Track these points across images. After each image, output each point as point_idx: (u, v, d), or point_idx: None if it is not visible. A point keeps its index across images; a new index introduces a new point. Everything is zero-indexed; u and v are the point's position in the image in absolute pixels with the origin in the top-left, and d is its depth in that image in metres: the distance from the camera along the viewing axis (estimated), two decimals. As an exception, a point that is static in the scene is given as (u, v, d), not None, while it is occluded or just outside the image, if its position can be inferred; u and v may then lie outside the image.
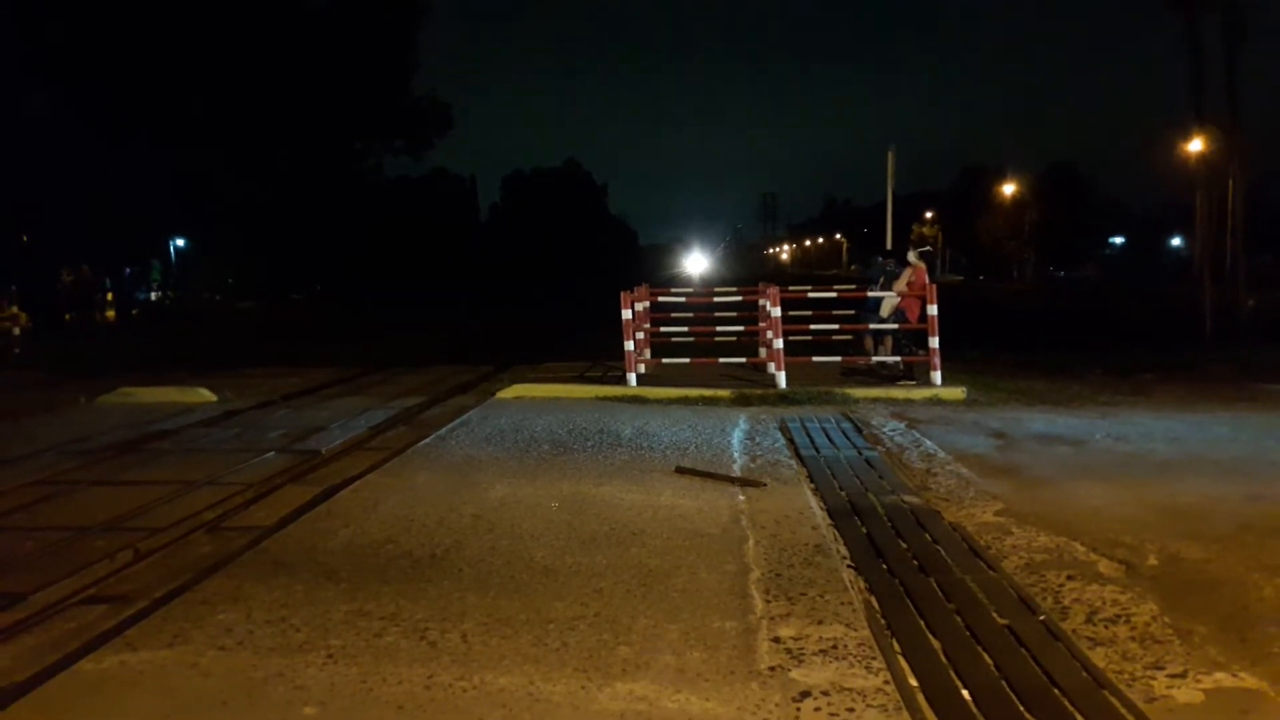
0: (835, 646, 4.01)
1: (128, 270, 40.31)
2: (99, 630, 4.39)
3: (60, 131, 26.46)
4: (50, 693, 3.70)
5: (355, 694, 3.63)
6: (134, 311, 39.44)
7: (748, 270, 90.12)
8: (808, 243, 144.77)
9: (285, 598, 4.64)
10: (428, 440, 8.81)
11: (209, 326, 32.71)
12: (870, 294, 13.02)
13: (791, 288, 14.18)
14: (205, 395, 12.08)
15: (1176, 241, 72.40)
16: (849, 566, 5.20)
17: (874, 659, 3.89)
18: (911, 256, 12.98)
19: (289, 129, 35.19)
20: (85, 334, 30.28)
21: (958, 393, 11.29)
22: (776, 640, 4.08)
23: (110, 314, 38.69)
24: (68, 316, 35.83)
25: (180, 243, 45.02)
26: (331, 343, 23.43)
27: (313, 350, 20.08)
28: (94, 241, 32.09)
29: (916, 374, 12.17)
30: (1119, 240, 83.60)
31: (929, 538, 5.71)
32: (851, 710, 3.47)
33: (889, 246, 18.72)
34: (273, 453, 8.62)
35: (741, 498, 6.57)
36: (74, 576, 5.16)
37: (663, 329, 14.24)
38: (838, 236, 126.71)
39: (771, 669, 3.80)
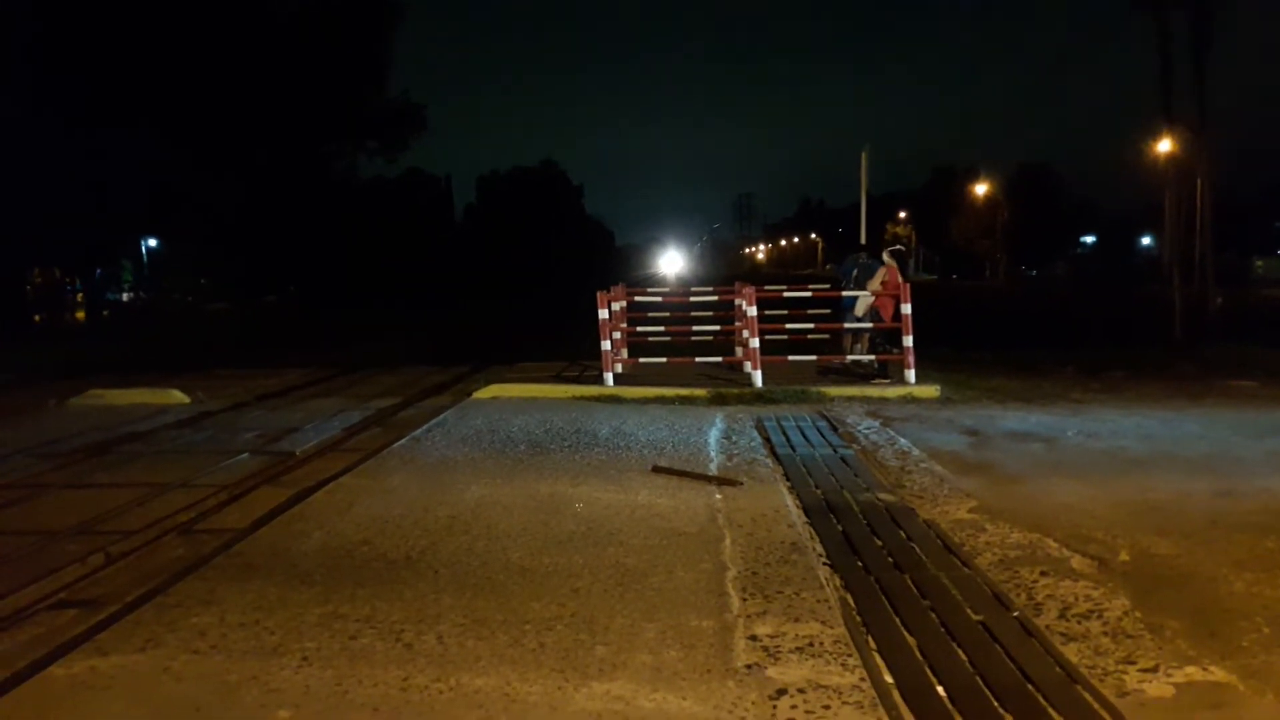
0: (811, 644, 4.02)
1: (98, 271, 39.86)
2: (69, 635, 4.33)
3: (28, 129, 26.11)
4: (20, 699, 3.65)
5: (330, 697, 3.61)
6: (105, 313, 39.07)
7: (724, 270, 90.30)
8: (783, 243, 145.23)
9: (259, 601, 4.61)
10: (403, 441, 8.76)
11: (181, 328, 32.41)
12: (845, 294, 13.09)
13: (767, 287, 14.22)
14: (178, 397, 11.96)
15: (1146, 240, 73.20)
16: (825, 564, 5.22)
17: (850, 656, 3.91)
18: (885, 256, 13.06)
19: (262, 129, 34.89)
20: (55, 335, 29.93)
21: (931, 391, 11.37)
22: (753, 638, 4.09)
23: (80, 315, 38.34)
24: (37, 318, 35.48)
25: (152, 243, 44.58)
26: (306, 344, 23.27)
27: (287, 351, 19.93)
28: (63, 242, 31.70)
29: (891, 372, 12.24)
30: (1090, 239, 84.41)
31: (904, 535, 5.74)
32: (828, 708, 3.48)
33: (863, 242, 18.82)
34: (246, 454, 8.55)
35: (718, 496, 6.58)
36: (44, 580, 5.10)
37: (639, 329, 14.24)
38: (813, 236, 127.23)
39: (748, 667, 3.81)
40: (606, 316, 12.35)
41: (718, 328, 14.21)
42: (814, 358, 13.18)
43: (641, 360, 13.41)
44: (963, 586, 4.82)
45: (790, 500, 6.53)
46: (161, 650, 4.04)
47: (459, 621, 4.32)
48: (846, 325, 13.07)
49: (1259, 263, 58.75)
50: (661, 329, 14.13)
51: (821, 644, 4.03)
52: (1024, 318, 29.84)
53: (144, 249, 44.41)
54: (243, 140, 34.21)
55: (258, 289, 48.18)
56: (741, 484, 6.91)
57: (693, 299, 15.38)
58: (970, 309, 34.76)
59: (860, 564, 5.23)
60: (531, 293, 50.99)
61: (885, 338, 12.67)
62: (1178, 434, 8.90)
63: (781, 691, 3.59)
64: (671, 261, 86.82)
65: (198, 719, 3.47)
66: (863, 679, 3.70)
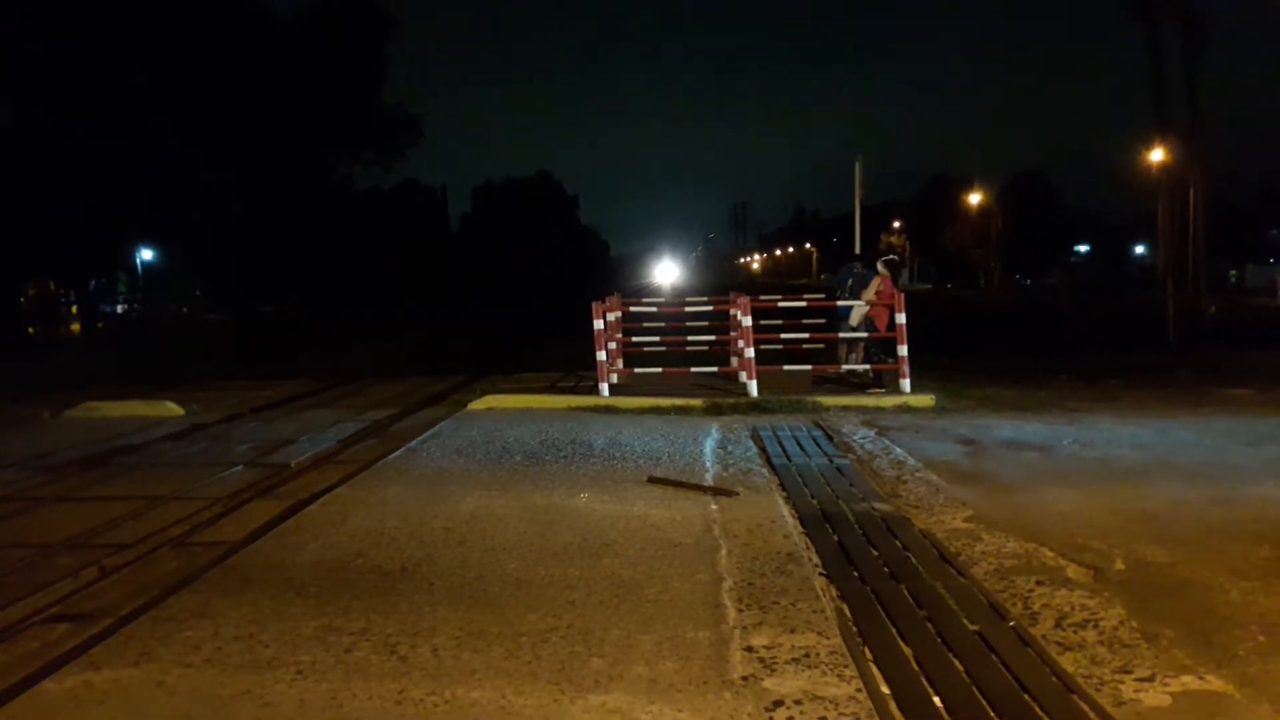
0: (807, 655, 4.02)
1: (93, 283, 39.83)
2: (62, 649, 4.32)
3: (24, 136, 26.09)
4: (11, 714, 3.63)
5: (325, 710, 3.59)
6: (99, 324, 39.02)
7: (719, 280, 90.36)
8: (778, 252, 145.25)
9: (253, 614, 4.59)
10: (398, 453, 8.75)
11: (176, 339, 32.34)
12: (840, 303, 13.11)
13: (762, 297, 14.24)
14: (172, 409, 11.93)
15: (1140, 249, 73.42)
16: (821, 574, 5.21)
17: (846, 667, 3.90)
18: (879, 266, 13.10)
19: (257, 137, 34.92)
20: (49, 347, 29.86)
21: (927, 400, 11.37)
22: (749, 649, 4.08)
23: (75, 327, 38.27)
24: (31, 330, 35.38)
25: (147, 255, 44.54)
26: (302, 354, 23.23)
27: (283, 362, 19.90)
28: (61, 242, 31.62)
29: (886, 382, 12.25)
30: (1084, 248, 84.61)
31: (900, 545, 5.74)
32: (824, 719, 3.47)
33: (857, 251, 18.87)
34: (240, 467, 8.53)
35: (714, 507, 6.57)
36: (37, 595, 5.07)
37: (635, 339, 14.25)
38: (807, 246, 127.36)
39: (744, 678, 3.80)
40: (601, 327, 12.35)
41: (713, 338, 14.21)
42: (809, 367, 13.18)
43: (637, 370, 13.40)
44: (959, 596, 4.81)
45: (786, 510, 6.52)
46: (155, 664, 4.02)
47: (454, 634, 4.31)
48: (841, 335, 13.08)
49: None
50: (657, 339, 14.14)
51: (818, 655, 4.02)
52: (1019, 326, 29.87)
53: (139, 260, 44.36)
54: (238, 149, 34.22)
55: (253, 299, 48.16)
56: (737, 494, 6.91)
57: (688, 309, 15.40)
58: (965, 318, 34.80)
59: (856, 574, 5.23)
60: (527, 302, 51.00)
61: (880, 347, 12.68)
62: (1173, 442, 8.91)
63: (778, 703, 3.59)
64: (667, 271, 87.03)
65: (191, 734, 3.46)
66: (859, 690, 3.70)
